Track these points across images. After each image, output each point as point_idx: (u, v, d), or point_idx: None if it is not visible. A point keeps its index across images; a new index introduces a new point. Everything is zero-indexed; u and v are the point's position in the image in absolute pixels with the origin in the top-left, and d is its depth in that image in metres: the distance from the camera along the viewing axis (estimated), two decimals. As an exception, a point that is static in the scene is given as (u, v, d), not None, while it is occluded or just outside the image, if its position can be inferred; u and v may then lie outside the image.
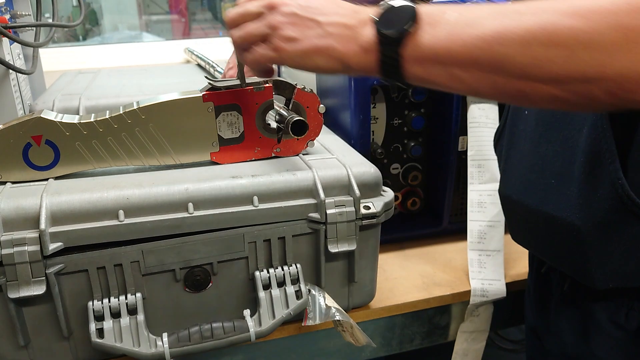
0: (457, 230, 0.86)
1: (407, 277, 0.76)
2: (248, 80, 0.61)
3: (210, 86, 0.60)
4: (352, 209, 0.59)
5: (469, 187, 0.77)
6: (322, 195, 0.58)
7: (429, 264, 0.80)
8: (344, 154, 0.66)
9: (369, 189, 0.62)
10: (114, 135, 0.58)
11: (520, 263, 0.79)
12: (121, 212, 0.54)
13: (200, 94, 0.60)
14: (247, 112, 0.62)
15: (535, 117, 0.58)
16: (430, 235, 0.87)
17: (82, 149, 0.58)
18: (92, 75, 1.08)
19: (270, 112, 0.63)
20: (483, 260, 0.75)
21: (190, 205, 0.56)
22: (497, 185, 0.76)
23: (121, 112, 0.58)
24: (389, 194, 0.63)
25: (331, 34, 0.46)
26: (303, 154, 0.65)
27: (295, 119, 0.55)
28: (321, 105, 0.64)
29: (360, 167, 0.62)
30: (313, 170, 0.60)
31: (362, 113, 0.74)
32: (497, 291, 0.73)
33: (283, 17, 0.48)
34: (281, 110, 0.61)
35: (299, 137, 0.59)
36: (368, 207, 0.60)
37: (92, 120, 0.57)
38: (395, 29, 0.42)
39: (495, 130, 0.78)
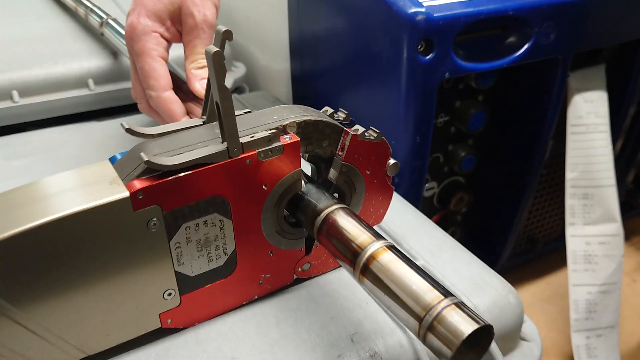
0: (512, 267, 0.59)
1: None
2: (243, 132, 0.24)
3: (148, 163, 0.22)
4: (498, 407, 0.28)
5: (569, 231, 0.49)
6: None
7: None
8: (432, 251, 0.32)
9: (507, 340, 0.30)
10: None
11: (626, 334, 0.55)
12: None
13: (123, 194, 0.22)
14: (242, 208, 0.25)
15: None
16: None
17: None
18: None
19: (294, 196, 0.27)
20: (593, 344, 0.48)
21: None
22: (615, 227, 0.48)
23: None
24: (535, 344, 0.32)
25: None
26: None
27: (466, 332, 0.19)
28: (393, 162, 0.29)
29: (488, 294, 0.29)
30: (407, 332, 0.26)
31: (421, 130, 0.40)
32: (614, 391, 0.48)
33: None
34: (312, 200, 0.26)
35: None
36: (515, 386, 0.29)
37: None
38: None
39: (608, 135, 0.49)
